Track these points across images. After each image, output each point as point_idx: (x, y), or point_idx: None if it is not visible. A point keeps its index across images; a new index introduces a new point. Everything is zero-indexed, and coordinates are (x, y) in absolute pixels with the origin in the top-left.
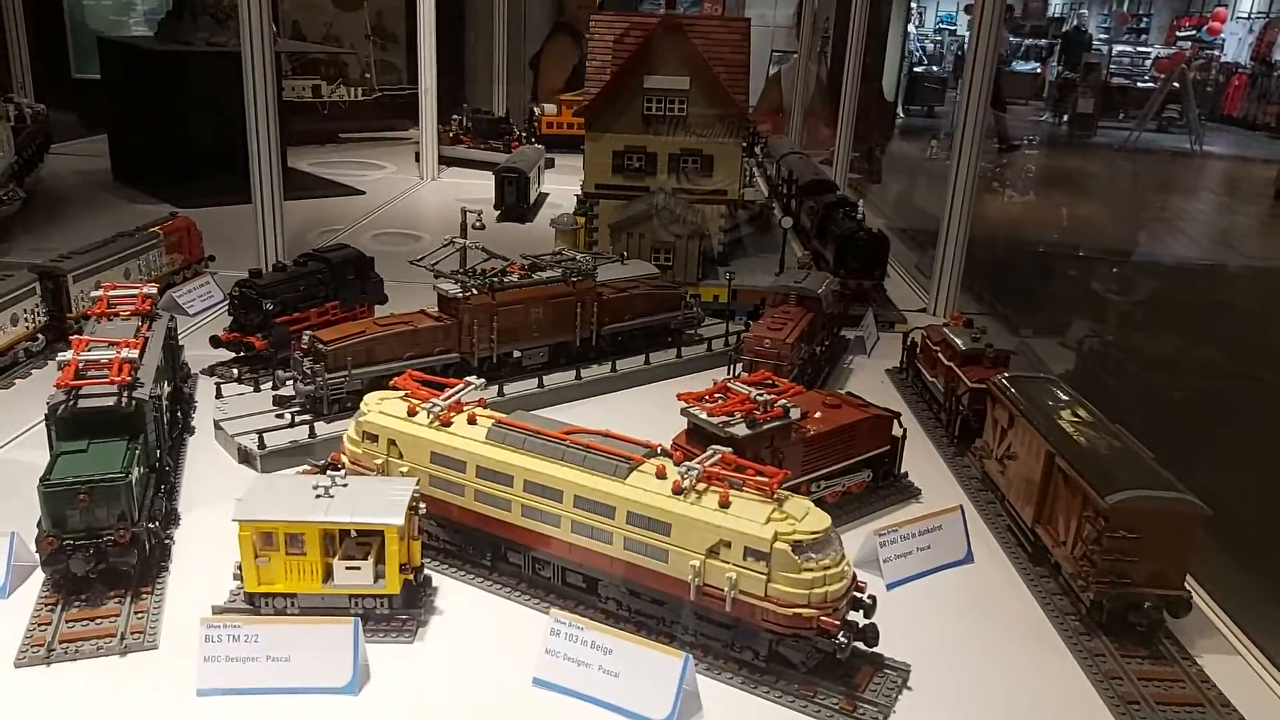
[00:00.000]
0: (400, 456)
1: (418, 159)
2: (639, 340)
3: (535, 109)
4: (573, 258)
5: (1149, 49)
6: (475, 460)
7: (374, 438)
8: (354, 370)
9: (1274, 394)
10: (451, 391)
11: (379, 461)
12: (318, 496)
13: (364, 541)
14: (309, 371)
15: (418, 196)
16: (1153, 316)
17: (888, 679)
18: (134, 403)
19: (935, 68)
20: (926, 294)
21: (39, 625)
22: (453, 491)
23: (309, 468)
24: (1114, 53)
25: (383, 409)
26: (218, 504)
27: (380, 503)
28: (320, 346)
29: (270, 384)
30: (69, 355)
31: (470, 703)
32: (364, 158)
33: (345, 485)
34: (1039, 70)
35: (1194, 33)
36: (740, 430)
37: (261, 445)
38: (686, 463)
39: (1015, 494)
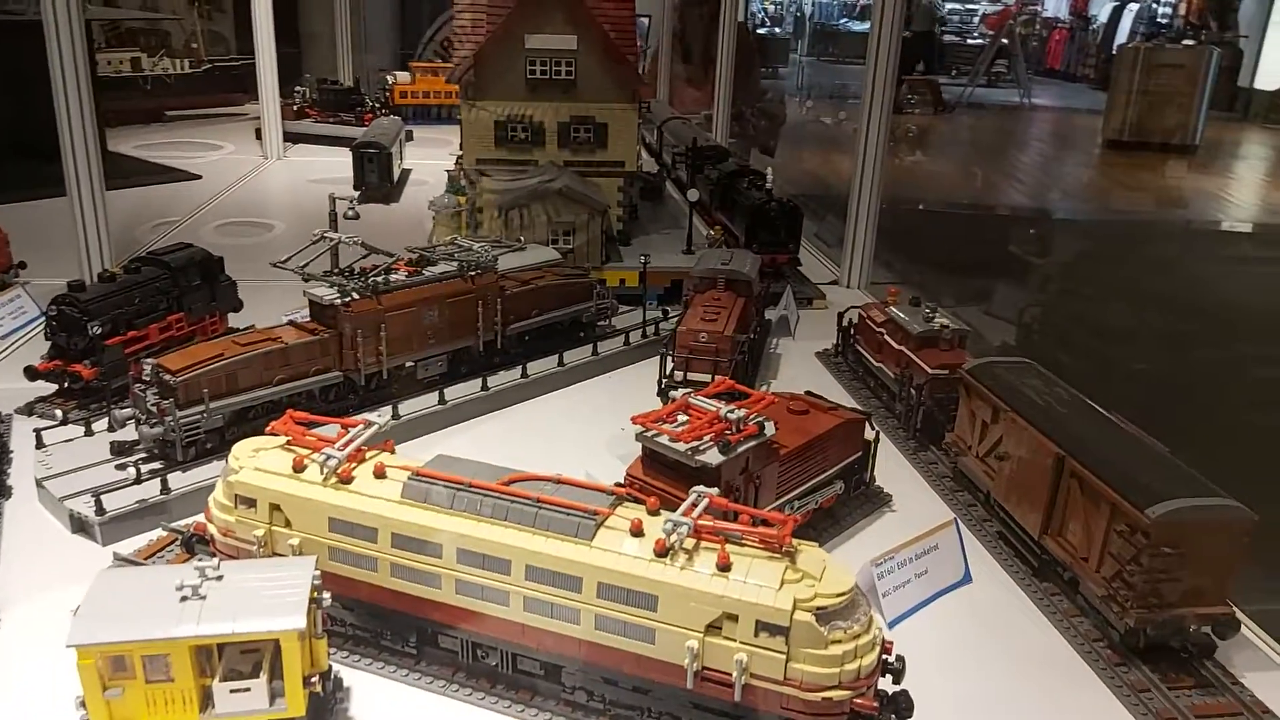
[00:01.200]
0: (287, 525)
1: (259, 136)
2: (548, 338)
3: (388, 77)
4: (468, 248)
5: (976, 5)
6: (389, 526)
7: (250, 502)
8: (212, 403)
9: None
10: (349, 436)
11: (259, 533)
12: (183, 598)
13: (249, 649)
14: (154, 409)
15: (263, 179)
16: (1056, 275)
17: None
18: None
19: (777, 29)
20: (836, 265)
21: None
22: (362, 566)
23: (164, 534)
24: (945, 11)
25: (259, 464)
26: (45, 593)
27: (270, 598)
28: (167, 377)
29: (105, 425)
30: None
31: None
32: (197, 137)
33: (218, 575)
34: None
35: None
36: (713, 457)
37: (100, 511)
38: (670, 515)
39: (1011, 499)
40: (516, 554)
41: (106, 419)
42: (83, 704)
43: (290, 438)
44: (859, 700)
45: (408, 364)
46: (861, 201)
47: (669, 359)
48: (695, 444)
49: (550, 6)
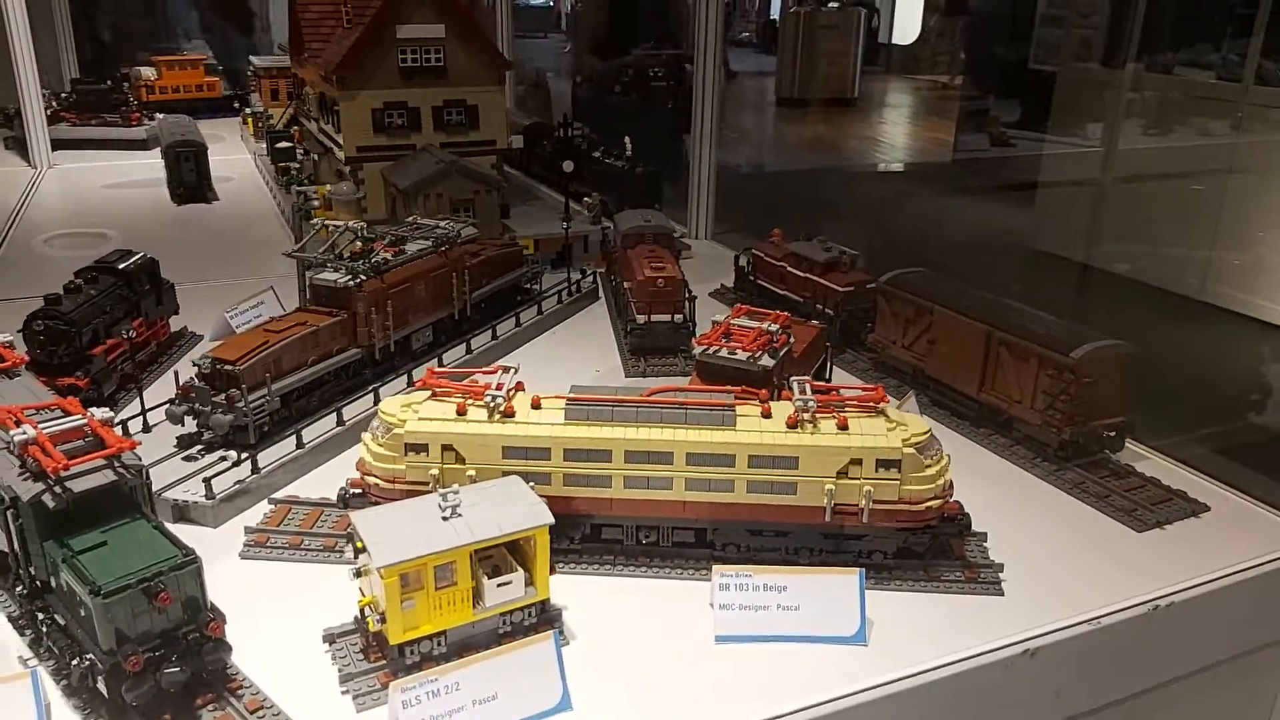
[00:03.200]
0: (460, 461)
1: (7, 146)
2: (494, 304)
3: (132, 73)
4: (434, 225)
5: None
6: (561, 444)
7: (421, 448)
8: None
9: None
10: (498, 379)
11: (434, 472)
12: (445, 518)
13: (487, 555)
14: (226, 399)
15: (49, 191)
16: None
17: (975, 542)
18: (139, 474)
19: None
20: (679, 222)
21: None
22: (536, 482)
23: (272, 508)
24: None
25: (421, 415)
26: None
27: (516, 505)
28: (228, 368)
29: (140, 425)
30: (23, 435)
31: (666, 675)
32: None
33: (458, 498)
34: (552, 3)
35: None
36: (768, 361)
37: (210, 494)
38: (798, 395)
39: (946, 372)
40: (677, 446)
41: (141, 420)
42: (329, 638)
43: (437, 389)
44: (950, 504)
45: (410, 336)
46: (702, 164)
47: (631, 305)
48: (752, 354)
49: None
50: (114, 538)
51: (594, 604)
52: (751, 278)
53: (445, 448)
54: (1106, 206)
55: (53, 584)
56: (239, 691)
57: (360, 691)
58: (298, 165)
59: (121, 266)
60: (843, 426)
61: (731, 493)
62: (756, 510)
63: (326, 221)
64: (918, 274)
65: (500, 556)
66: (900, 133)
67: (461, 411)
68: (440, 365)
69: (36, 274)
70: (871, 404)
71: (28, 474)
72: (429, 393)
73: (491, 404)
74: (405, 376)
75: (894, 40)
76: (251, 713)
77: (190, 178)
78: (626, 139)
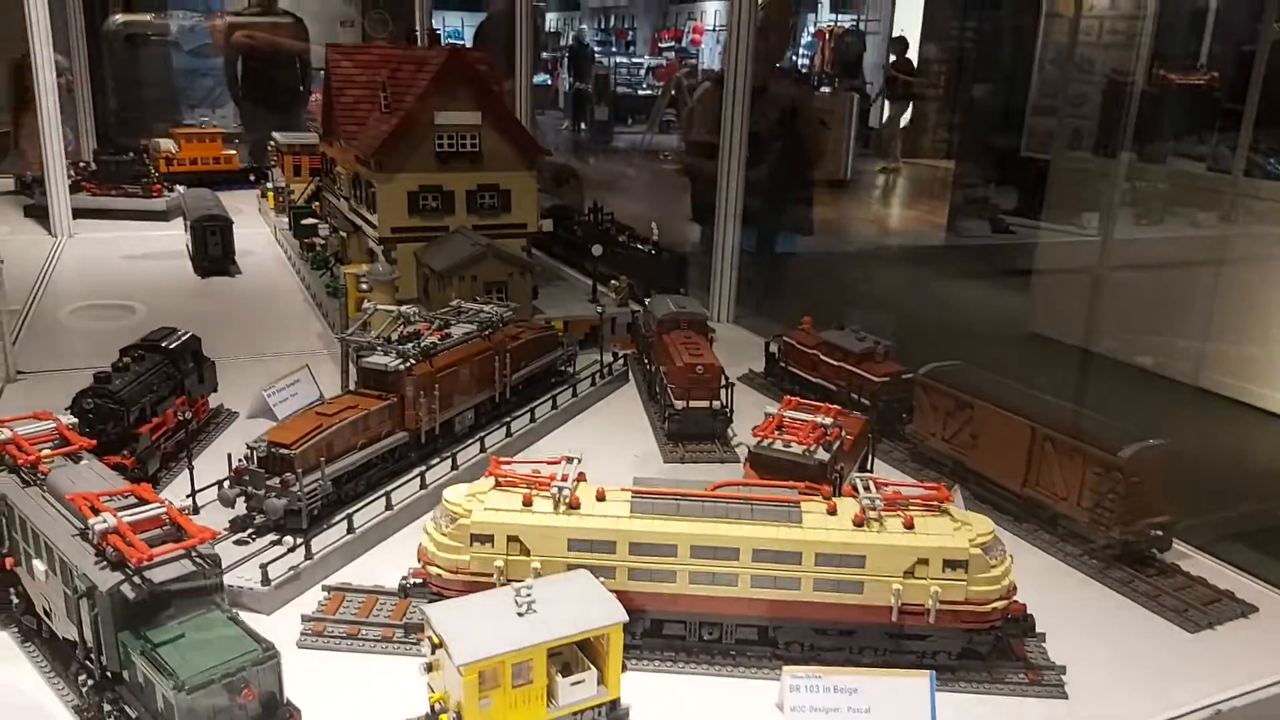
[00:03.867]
0: (525, 553)
1: (27, 214)
2: (529, 385)
3: (150, 144)
4: (478, 309)
5: (640, 60)
6: (626, 537)
7: (487, 539)
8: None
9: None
10: (562, 470)
11: (499, 564)
12: (520, 614)
13: (557, 652)
14: (281, 482)
15: (70, 261)
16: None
17: (1034, 642)
18: (216, 564)
19: None
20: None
21: None
22: (601, 576)
23: (327, 595)
24: (614, 64)
25: (487, 505)
26: None
27: (588, 601)
28: (284, 451)
29: (191, 508)
30: (104, 523)
31: None
32: None
33: (532, 594)
34: (550, 82)
35: (674, 44)
36: (823, 455)
37: (266, 580)
38: (864, 494)
39: (989, 466)
40: (743, 542)
41: (191, 502)
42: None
43: (497, 479)
44: (1014, 604)
45: (453, 420)
46: (726, 248)
47: (669, 391)
48: (806, 448)
49: (456, 87)
50: (190, 629)
51: (659, 702)
52: (782, 364)
53: (511, 539)
54: (1103, 293)
55: (125, 675)
56: None
57: None
58: (322, 241)
59: (168, 345)
60: (909, 525)
61: (797, 590)
62: (822, 609)
63: (379, 305)
64: (957, 367)
65: (570, 653)
66: (894, 215)
67: (527, 502)
68: (483, 448)
69: (67, 345)
70: (935, 503)
71: (105, 563)
72: (493, 482)
73: (557, 495)
74: (450, 460)
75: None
76: None
77: (215, 251)
78: (653, 223)
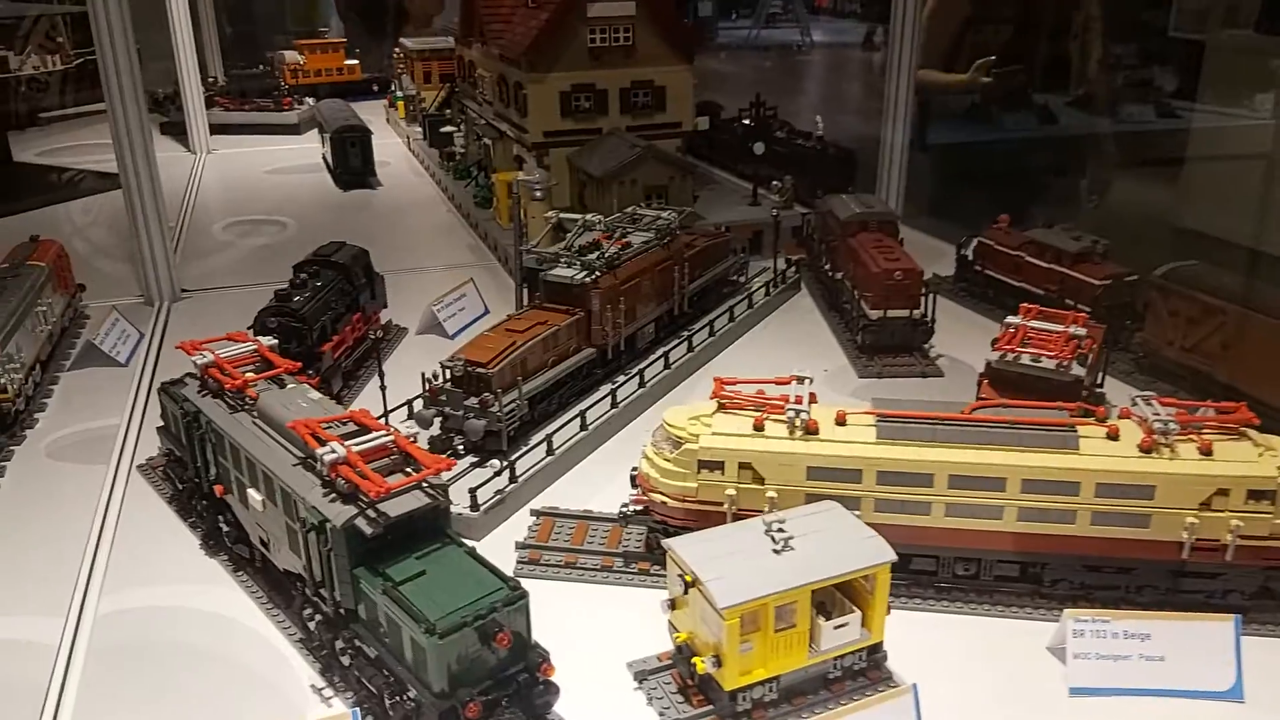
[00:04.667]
0: (759, 480)
1: (164, 132)
2: (702, 297)
3: (276, 57)
4: (656, 215)
5: None
6: (874, 465)
7: (717, 466)
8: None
9: None
10: (793, 390)
11: (730, 492)
12: (778, 550)
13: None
14: (480, 402)
15: (212, 176)
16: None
17: None
18: (446, 495)
19: None
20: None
21: None
22: (846, 507)
23: (538, 520)
24: None
25: (715, 429)
26: None
27: (849, 538)
28: (480, 370)
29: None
30: (332, 453)
31: None
32: (91, 139)
33: (785, 527)
34: None
35: None
36: (1078, 371)
37: (475, 506)
38: (1156, 414)
39: (1248, 380)
40: (1011, 471)
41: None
42: (640, 676)
43: (722, 401)
44: None
45: (637, 334)
46: (894, 142)
47: (862, 299)
48: (1060, 361)
49: None
50: (430, 565)
51: (914, 644)
52: (977, 268)
53: (743, 466)
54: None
55: (361, 613)
56: None
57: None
58: (461, 150)
59: (341, 260)
60: (1206, 451)
61: (1072, 524)
62: (1100, 544)
63: (561, 215)
64: (1199, 268)
65: (828, 594)
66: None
67: (759, 426)
68: (667, 364)
69: (224, 263)
70: (1234, 425)
71: (335, 495)
72: (716, 404)
73: (793, 419)
74: (637, 377)
75: None
76: None
77: (356, 163)
78: (818, 118)
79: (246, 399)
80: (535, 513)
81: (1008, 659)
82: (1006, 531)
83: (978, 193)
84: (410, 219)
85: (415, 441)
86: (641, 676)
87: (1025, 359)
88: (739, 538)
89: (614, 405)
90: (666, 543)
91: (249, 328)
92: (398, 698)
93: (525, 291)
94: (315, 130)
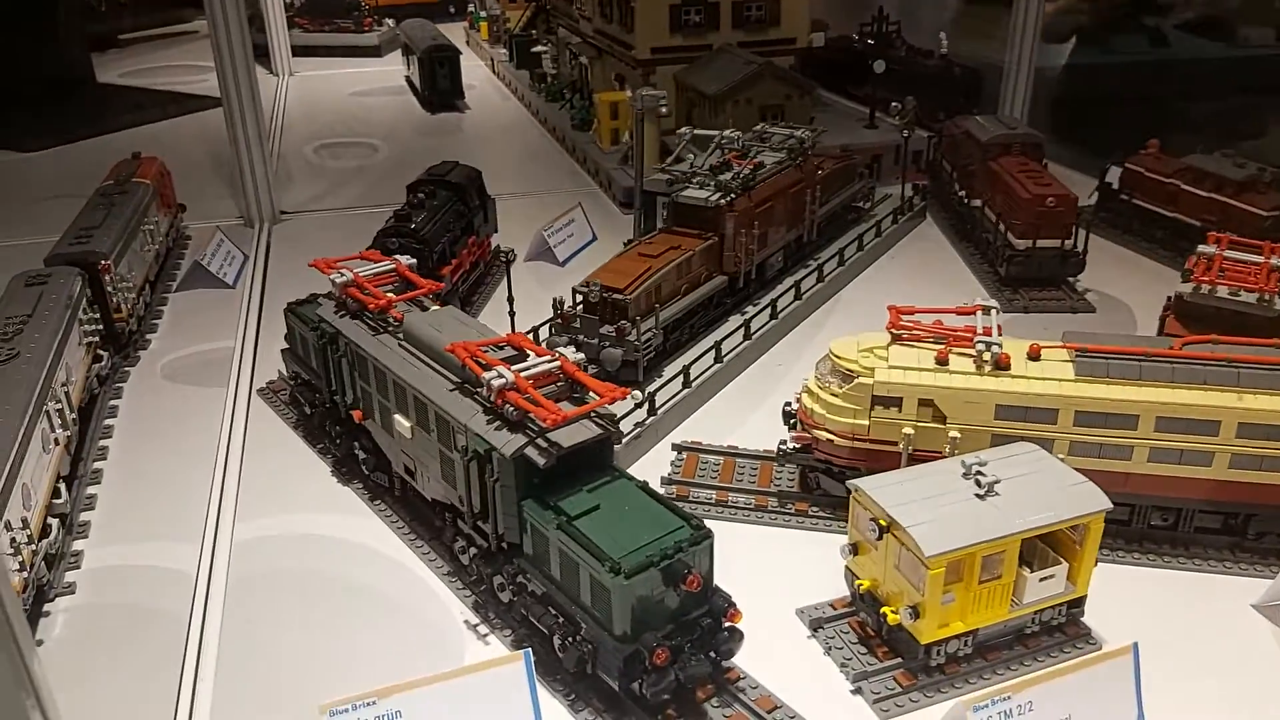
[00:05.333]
0: (941, 420)
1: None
2: (831, 224)
3: None
4: (789, 134)
5: None
6: (1074, 404)
7: (893, 402)
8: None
9: None
10: (981, 321)
11: (907, 431)
12: (981, 495)
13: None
14: (616, 330)
15: (297, 98)
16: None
17: None
18: (615, 424)
19: None
20: None
21: None
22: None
23: (682, 455)
24: None
25: (892, 363)
26: None
27: (1055, 483)
28: (618, 297)
29: None
30: (500, 378)
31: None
32: (171, 60)
33: (987, 470)
34: None
35: None
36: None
37: (618, 439)
38: None
39: None
40: (1227, 414)
41: None
42: (816, 624)
43: (897, 333)
44: None
45: (769, 261)
46: (1021, 61)
47: (1008, 228)
48: (1261, 294)
49: None
50: (604, 500)
51: (1112, 597)
52: (1124, 197)
53: (923, 403)
54: None
55: (525, 547)
56: (738, 684)
57: (880, 695)
58: (553, 70)
59: (456, 181)
60: None
61: None
62: None
63: (696, 132)
64: None
65: (1030, 544)
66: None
67: (942, 360)
68: (798, 294)
69: (319, 184)
70: None
71: (501, 423)
72: (890, 336)
73: (982, 352)
74: (769, 308)
75: None
76: (767, 713)
77: (444, 85)
78: (942, 34)
79: (391, 320)
80: (677, 447)
81: (1210, 616)
82: (1215, 479)
83: (1101, 117)
84: (502, 142)
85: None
86: (816, 625)
87: (1223, 291)
88: (937, 480)
89: (748, 337)
90: (854, 484)
91: (369, 248)
92: (571, 639)
93: (644, 216)
94: (399, 52)
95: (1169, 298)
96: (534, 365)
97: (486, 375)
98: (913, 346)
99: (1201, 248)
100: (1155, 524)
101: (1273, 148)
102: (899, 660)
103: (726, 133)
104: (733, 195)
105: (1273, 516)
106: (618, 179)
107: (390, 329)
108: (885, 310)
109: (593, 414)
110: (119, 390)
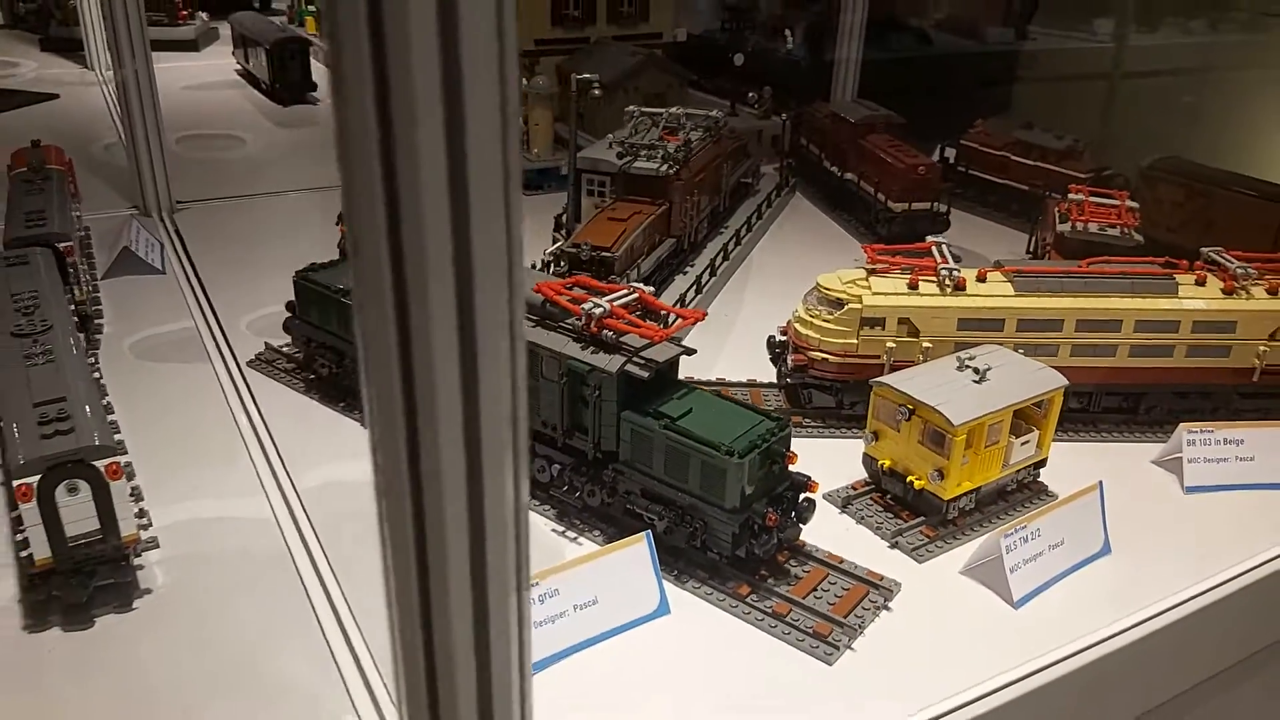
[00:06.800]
0: (914, 334)
1: (43, 48)
2: (731, 196)
3: None
4: (705, 114)
5: None
6: (1015, 314)
7: (877, 322)
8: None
9: None
10: (936, 253)
11: (889, 345)
12: (977, 381)
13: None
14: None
15: (110, 96)
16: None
17: None
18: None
19: None
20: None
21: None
22: None
23: None
24: None
25: (876, 290)
26: None
27: (1028, 369)
28: (606, 254)
29: None
30: (599, 308)
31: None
32: None
33: (974, 363)
34: None
35: None
36: (1139, 238)
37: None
38: (1235, 264)
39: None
40: (1126, 314)
41: None
42: (844, 501)
43: (875, 267)
44: None
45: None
46: (850, 58)
47: (885, 195)
48: (1122, 228)
49: None
50: (692, 405)
51: (1054, 464)
52: (961, 169)
53: (901, 321)
54: None
55: (621, 454)
56: (805, 548)
57: (915, 545)
58: None
59: None
60: (1272, 291)
61: (1170, 358)
62: (1192, 374)
63: (643, 110)
64: (1169, 158)
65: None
66: None
67: (913, 285)
68: (726, 255)
69: (196, 176)
70: None
71: (593, 348)
72: (864, 271)
73: (945, 277)
74: (709, 268)
75: None
76: (835, 565)
77: (295, 76)
78: (788, 30)
79: None
80: None
81: (1121, 471)
82: (1119, 366)
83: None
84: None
85: None
86: (845, 502)
87: (1093, 227)
88: (940, 374)
89: (699, 291)
90: (878, 380)
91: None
92: (677, 522)
93: (574, 191)
94: (224, 45)
95: (1054, 235)
96: (620, 297)
97: (585, 306)
98: (887, 277)
99: (1071, 195)
100: (1072, 407)
101: (1059, 124)
102: (922, 519)
103: (672, 110)
104: (678, 166)
105: (1158, 394)
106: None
107: None
108: (790, 268)
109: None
110: (98, 370)
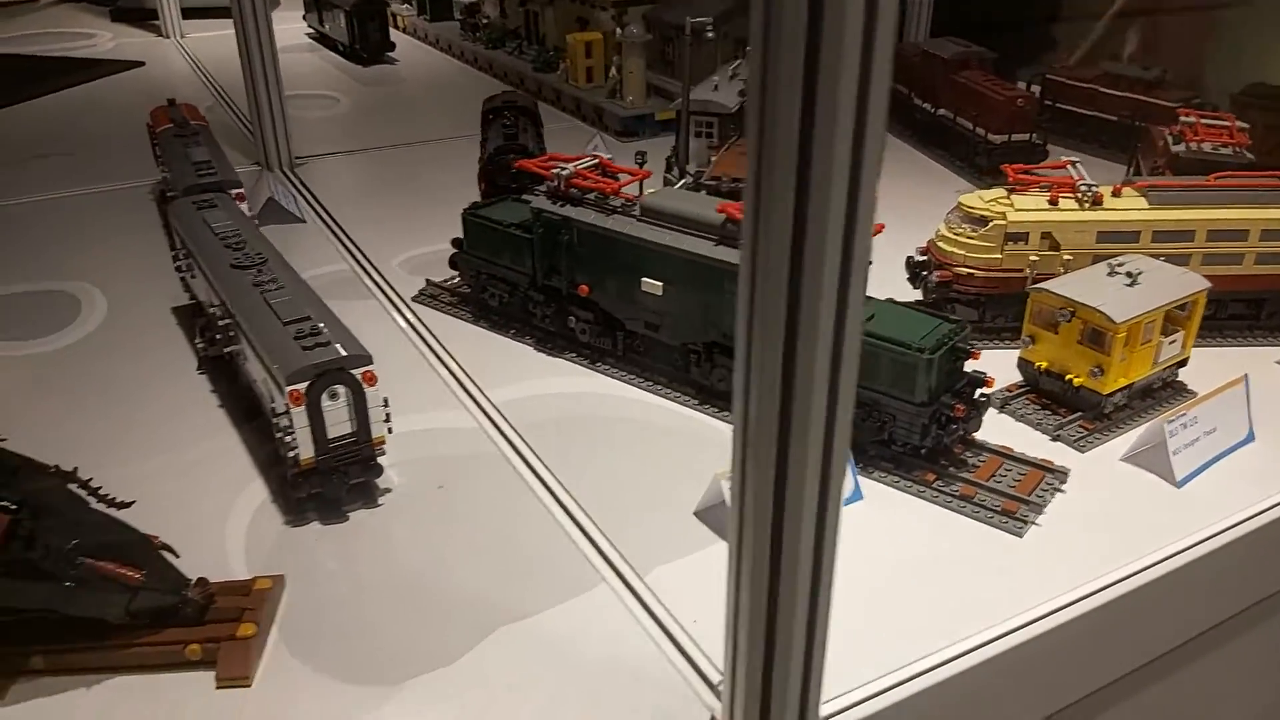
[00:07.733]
0: (1055, 248)
1: (117, 19)
2: None
3: None
4: None
5: None
6: (1152, 226)
7: (1020, 238)
8: None
9: None
10: (1073, 172)
11: (1033, 259)
12: (1129, 285)
13: None
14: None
15: (208, 59)
16: None
17: None
18: None
19: None
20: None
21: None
22: None
23: None
24: None
25: (1019, 207)
26: None
27: (1172, 274)
28: (743, 184)
29: None
30: None
31: None
32: (34, 28)
33: (1125, 268)
34: None
35: None
36: (1251, 157)
37: None
38: None
39: None
40: (1253, 224)
41: None
42: (1002, 402)
43: (1015, 185)
44: None
45: None
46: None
47: (984, 127)
48: (1234, 148)
49: None
50: (875, 312)
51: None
52: (1049, 102)
53: (1043, 236)
54: None
55: None
56: (975, 442)
57: (1076, 437)
58: (486, 19)
59: (524, 105)
60: None
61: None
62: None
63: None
64: (1263, 86)
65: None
66: None
67: (1053, 201)
68: None
69: (309, 132)
70: None
71: None
72: (1006, 190)
73: (1085, 193)
74: None
75: None
76: (1009, 454)
77: (376, 38)
78: None
79: (618, 202)
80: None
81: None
82: (1246, 274)
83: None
84: (456, 89)
85: None
86: (1003, 403)
87: (1207, 146)
88: (1096, 279)
89: None
90: (1036, 286)
91: (503, 156)
92: (865, 418)
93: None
94: (296, 10)
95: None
96: (584, 163)
97: (555, 170)
98: (1028, 194)
99: (1183, 119)
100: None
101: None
102: (1079, 414)
103: None
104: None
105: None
106: (609, 110)
107: (621, 209)
108: (896, 200)
109: None
110: None
